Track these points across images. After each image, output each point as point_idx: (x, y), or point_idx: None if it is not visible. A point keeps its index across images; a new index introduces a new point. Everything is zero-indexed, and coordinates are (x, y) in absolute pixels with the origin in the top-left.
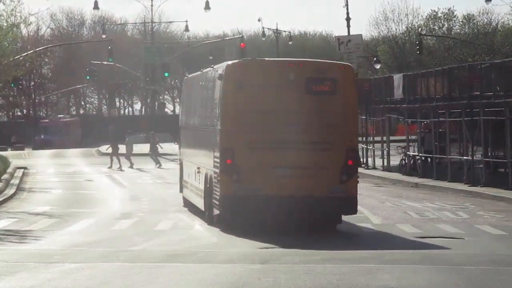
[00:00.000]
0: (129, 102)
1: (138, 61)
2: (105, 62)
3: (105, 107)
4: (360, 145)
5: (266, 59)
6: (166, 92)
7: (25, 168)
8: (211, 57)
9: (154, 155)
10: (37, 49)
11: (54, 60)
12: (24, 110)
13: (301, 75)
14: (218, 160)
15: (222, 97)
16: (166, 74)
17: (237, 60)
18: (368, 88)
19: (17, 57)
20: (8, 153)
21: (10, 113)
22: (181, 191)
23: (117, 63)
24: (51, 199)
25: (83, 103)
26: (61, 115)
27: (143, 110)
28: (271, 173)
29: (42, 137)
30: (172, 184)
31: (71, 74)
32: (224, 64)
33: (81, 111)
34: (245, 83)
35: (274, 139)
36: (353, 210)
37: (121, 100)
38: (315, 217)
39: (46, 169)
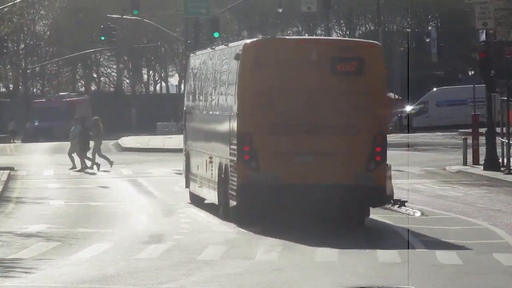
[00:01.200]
0: (162, 75)
1: (176, 15)
2: (127, 17)
3: (127, 81)
4: (499, 139)
5: (287, 37)
6: None
7: (11, 168)
8: (280, 10)
9: (96, 151)
10: None
11: (54, 13)
12: (10, 85)
13: (325, 54)
14: (235, 147)
15: (240, 79)
16: (216, 35)
17: (255, 39)
18: (511, 56)
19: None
20: None
21: None
22: (187, 186)
23: (145, 18)
24: (49, 213)
25: (95, 75)
26: (64, 93)
27: (182, 85)
28: (292, 160)
29: (36, 123)
30: None
31: (78, 33)
32: (242, 42)
33: (93, 87)
34: (264, 64)
35: (296, 124)
36: (381, 201)
37: (151, 72)
38: (341, 208)
39: (41, 170)
